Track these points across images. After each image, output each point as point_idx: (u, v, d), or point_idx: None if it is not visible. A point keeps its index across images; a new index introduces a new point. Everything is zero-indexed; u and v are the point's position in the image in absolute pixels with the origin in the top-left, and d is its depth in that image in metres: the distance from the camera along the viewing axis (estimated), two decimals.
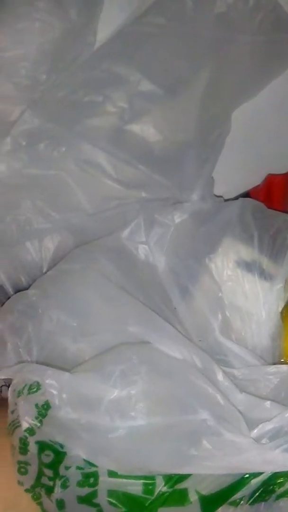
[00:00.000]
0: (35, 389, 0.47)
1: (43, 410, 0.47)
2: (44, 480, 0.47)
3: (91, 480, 0.46)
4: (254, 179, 0.65)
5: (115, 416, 0.45)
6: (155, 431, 0.45)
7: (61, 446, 0.46)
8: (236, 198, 0.65)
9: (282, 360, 0.50)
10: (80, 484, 0.46)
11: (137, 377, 0.45)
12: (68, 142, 0.58)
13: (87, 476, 0.46)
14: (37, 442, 0.47)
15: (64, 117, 0.59)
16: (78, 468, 0.46)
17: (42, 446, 0.47)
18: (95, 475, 0.46)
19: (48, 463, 0.47)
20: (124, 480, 0.46)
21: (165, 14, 0.59)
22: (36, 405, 0.47)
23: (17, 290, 0.61)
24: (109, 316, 0.50)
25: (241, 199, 0.55)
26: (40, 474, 0.47)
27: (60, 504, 0.46)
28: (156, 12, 0.59)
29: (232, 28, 0.59)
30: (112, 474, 0.46)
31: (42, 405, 0.47)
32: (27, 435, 0.47)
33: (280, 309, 0.51)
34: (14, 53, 0.59)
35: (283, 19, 0.60)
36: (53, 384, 0.46)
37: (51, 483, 0.47)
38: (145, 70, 0.58)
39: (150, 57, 0.59)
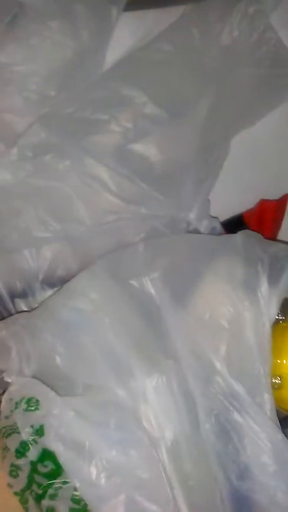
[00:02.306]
0: (33, 407, 0.48)
1: (37, 433, 0.47)
2: (35, 487, 0.47)
3: (83, 503, 0.46)
4: (248, 203, 0.68)
5: (101, 475, 0.46)
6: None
7: None
8: (230, 219, 0.68)
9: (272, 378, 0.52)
10: (74, 500, 0.46)
11: (133, 452, 0.47)
12: (72, 156, 0.60)
13: (79, 501, 0.47)
14: (43, 450, 0.47)
15: (71, 132, 0.61)
16: (75, 490, 0.46)
17: (45, 455, 0.47)
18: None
19: (44, 473, 0.47)
20: None
21: (173, 42, 0.61)
22: (32, 426, 0.47)
23: (12, 296, 0.62)
24: (100, 364, 0.51)
25: (242, 231, 0.55)
26: (31, 481, 0.47)
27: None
28: (164, 39, 0.62)
29: (235, 60, 0.62)
30: None
31: (37, 429, 0.47)
32: (32, 441, 0.48)
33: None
34: (26, 68, 0.61)
35: (283, 54, 0.63)
36: (57, 416, 0.46)
37: (40, 491, 0.47)
38: (151, 94, 0.61)
39: (156, 82, 0.62)
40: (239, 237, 0.54)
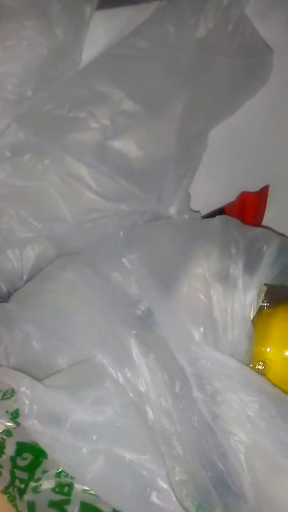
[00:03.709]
0: (8, 396, 0.49)
1: (13, 417, 0.48)
2: (17, 482, 0.48)
3: (66, 489, 0.47)
4: (229, 196, 0.67)
5: (79, 436, 0.46)
6: (118, 463, 0.46)
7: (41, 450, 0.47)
8: (211, 213, 0.68)
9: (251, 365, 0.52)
10: (55, 490, 0.47)
11: (109, 408, 0.47)
12: (51, 155, 0.60)
13: (61, 485, 0.47)
14: (17, 443, 0.48)
15: (49, 131, 0.61)
16: (57, 475, 0.47)
17: (21, 448, 0.48)
18: (70, 485, 0.47)
19: (23, 466, 0.48)
20: (97, 498, 0.47)
21: (148, 38, 0.61)
22: (7, 411, 0.48)
23: None
24: (80, 337, 0.51)
25: (221, 216, 0.57)
26: (13, 477, 0.48)
27: (31, 506, 0.47)
28: (139, 36, 0.62)
29: (211, 51, 0.62)
30: (85, 490, 0.47)
31: (12, 413, 0.48)
32: (4, 436, 0.48)
33: (252, 316, 0.53)
34: (2, 69, 0.60)
35: (258, 43, 0.64)
36: (27, 394, 0.47)
37: (22, 486, 0.47)
38: (128, 90, 0.61)
39: (133, 78, 0.62)
40: (218, 221, 0.55)
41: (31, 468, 0.47)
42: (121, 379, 0.48)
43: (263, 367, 0.53)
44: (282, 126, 0.67)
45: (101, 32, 0.63)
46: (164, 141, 0.61)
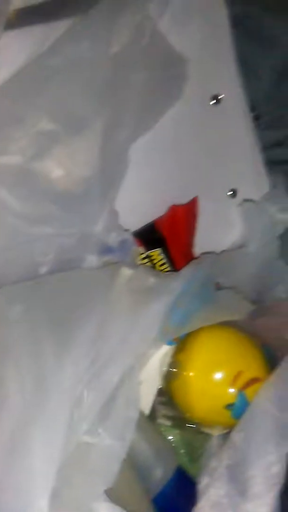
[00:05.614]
0: None
1: None
2: None
3: None
4: (158, 210, 0.67)
5: None
6: None
7: None
8: (142, 229, 0.67)
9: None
10: None
11: None
12: None
13: None
14: None
15: None
16: None
17: None
18: None
19: None
20: None
21: (61, 56, 0.60)
22: None
23: None
24: None
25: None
26: None
27: None
28: (53, 54, 0.60)
29: (126, 66, 0.61)
30: None
31: None
32: None
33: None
34: None
35: (172, 57, 0.63)
36: None
37: None
38: (44, 110, 0.59)
39: (49, 98, 0.60)
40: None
41: None
42: None
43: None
44: (203, 135, 0.67)
45: (13, 53, 0.61)
46: (85, 159, 0.60)
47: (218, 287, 0.58)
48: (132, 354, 0.48)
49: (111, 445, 0.45)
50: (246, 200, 0.71)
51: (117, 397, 0.46)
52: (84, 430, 0.44)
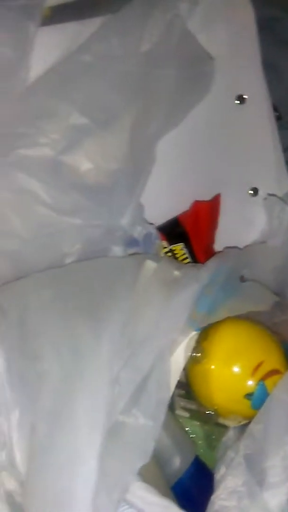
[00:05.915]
0: None
1: None
2: None
3: None
4: (182, 205, 0.68)
5: None
6: None
7: None
8: (166, 223, 0.69)
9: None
10: None
11: None
12: (2, 171, 0.60)
13: None
14: None
15: None
16: None
17: None
18: None
19: None
20: None
21: (93, 53, 0.62)
22: None
23: None
24: None
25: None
26: None
27: None
28: (84, 51, 0.62)
29: (156, 64, 0.63)
30: None
31: None
32: None
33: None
34: None
35: (201, 54, 0.65)
36: None
37: None
38: (76, 104, 0.61)
39: (81, 93, 0.62)
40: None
41: None
42: None
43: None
44: (226, 134, 0.69)
45: (48, 49, 0.62)
46: (114, 153, 0.62)
47: (243, 280, 0.59)
48: (164, 338, 0.50)
49: (144, 425, 0.46)
50: (270, 195, 0.72)
51: (150, 379, 0.48)
52: (121, 409, 0.46)
